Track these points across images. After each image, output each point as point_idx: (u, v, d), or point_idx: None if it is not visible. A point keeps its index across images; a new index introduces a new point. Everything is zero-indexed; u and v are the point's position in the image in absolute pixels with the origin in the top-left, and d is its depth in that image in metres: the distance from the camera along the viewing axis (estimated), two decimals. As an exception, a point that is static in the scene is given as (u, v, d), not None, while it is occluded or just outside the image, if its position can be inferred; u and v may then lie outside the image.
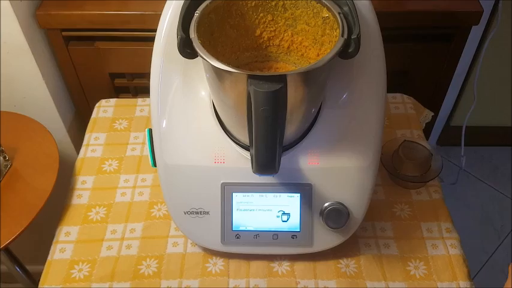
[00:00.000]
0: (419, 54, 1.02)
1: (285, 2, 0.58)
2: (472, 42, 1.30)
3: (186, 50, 0.52)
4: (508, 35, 1.30)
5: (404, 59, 1.02)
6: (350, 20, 0.53)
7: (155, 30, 0.62)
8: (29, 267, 0.98)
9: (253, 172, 0.55)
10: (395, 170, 0.77)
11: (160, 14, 0.61)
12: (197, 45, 0.51)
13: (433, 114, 0.95)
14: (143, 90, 1.10)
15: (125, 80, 1.07)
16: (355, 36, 0.50)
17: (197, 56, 0.52)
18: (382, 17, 0.62)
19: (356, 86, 0.63)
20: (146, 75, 1.04)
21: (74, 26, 0.96)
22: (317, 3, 0.56)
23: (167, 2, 0.61)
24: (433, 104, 1.08)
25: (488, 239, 1.49)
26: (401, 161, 0.77)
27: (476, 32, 1.26)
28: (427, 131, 1.14)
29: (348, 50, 0.51)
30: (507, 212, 1.55)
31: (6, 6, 0.86)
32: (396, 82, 1.04)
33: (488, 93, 1.45)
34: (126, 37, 0.98)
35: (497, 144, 1.69)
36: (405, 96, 0.93)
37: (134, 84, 1.08)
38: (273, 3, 0.58)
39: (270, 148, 0.52)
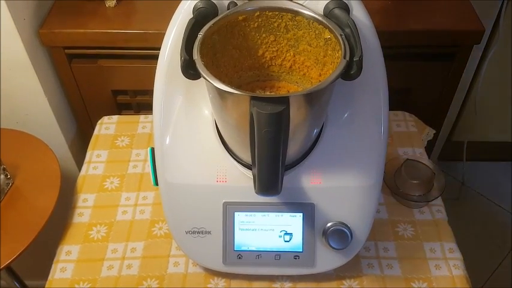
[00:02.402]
0: (421, 73, 1.03)
1: (288, 23, 0.58)
2: (473, 58, 1.30)
3: (189, 71, 0.52)
4: (508, 52, 1.31)
5: (406, 77, 1.02)
6: (352, 42, 0.53)
7: (157, 49, 0.63)
8: (28, 283, 0.97)
9: (256, 193, 0.55)
10: (398, 189, 0.77)
11: (163, 33, 0.62)
12: (200, 66, 0.51)
13: (434, 132, 0.95)
14: (145, 107, 1.10)
15: (127, 97, 1.08)
16: (357, 59, 0.50)
17: (200, 77, 0.52)
18: (384, 35, 0.63)
19: (358, 105, 0.64)
20: (149, 92, 1.05)
21: (76, 44, 0.96)
22: (319, 25, 0.56)
23: (171, 22, 0.61)
24: (435, 122, 1.09)
25: (489, 254, 1.48)
26: (404, 180, 0.76)
27: (477, 48, 1.26)
28: (429, 147, 1.14)
29: (350, 71, 0.51)
30: (509, 227, 1.54)
31: (10, 24, 0.87)
32: (398, 100, 1.05)
33: (490, 108, 1.45)
34: (129, 55, 0.99)
35: (499, 160, 1.69)
36: (407, 113, 0.94)
37: (136, 101, 1.09)
38: (276, 24, 0.59)
39: (273, 169, 0.51)
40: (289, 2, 0.57)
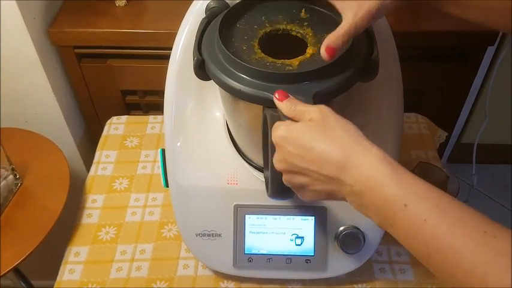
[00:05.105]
0: (434, 74, 1.01)
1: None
2: (485, 60, 1.29)
3: (202, 71, 0.52)
4: (520, 53, 1.29)
5: (419, 78, 1.01)
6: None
7: (167, 49, 0.62)
8: (35, 283, 0.97)
9: (268, 196, 0.54)
10: (411, 192, 0.76)
11: (173, 33, 0.61)
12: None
13: (446, 134, 0.94)
14: (154, 107, 1.10)
15: (136, 97, 1.07)
16: (373, 59, 0.50)
17: (212, 78, 0.52)
18: (398, 36, 0.62)
19: (373, 107, 0.63)
20: (158, 92, 1.05)
21: (86, 43, 0.96)
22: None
23: (183, 22, 0.61)
24: (446, 123, 1.07)
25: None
26: (417, 183, 0.75)
27: (488, 50, 1.25)
28: (440, 149, 1.13)
29: (367, 72, 0.50)
30: (519, 231, 1.53)
31: (20, 23, 0.87)
32: (410, 101, 1.04)
33: (500, 111, 1.44)
34: (139, 55, 0.98)
35: (509, 163, 1.67)
36: (419, 116, 0.92)
37: (145, 101, 1.08)
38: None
39: (286, 173, 0.50)
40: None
